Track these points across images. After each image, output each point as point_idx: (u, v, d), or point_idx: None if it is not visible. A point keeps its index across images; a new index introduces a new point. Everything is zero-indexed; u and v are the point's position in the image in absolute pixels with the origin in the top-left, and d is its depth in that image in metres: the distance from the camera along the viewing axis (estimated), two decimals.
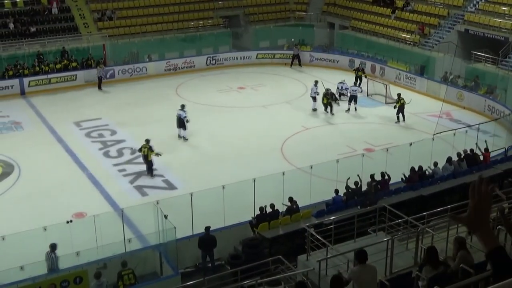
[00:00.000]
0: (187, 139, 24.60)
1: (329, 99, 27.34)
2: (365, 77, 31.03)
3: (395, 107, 26.47)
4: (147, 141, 21.24)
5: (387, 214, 13.35)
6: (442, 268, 8.85)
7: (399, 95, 26.68)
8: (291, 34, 39.28)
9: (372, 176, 17.85)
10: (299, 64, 36.03)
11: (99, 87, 31.90)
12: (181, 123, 24.65)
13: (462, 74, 30.84)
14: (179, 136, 24.71)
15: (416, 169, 18.39)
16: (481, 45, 31.41)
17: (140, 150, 21.35)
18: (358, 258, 8.70)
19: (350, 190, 17.27)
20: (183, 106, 25.03)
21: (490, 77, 29.69)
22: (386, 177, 18.14)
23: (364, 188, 17.55)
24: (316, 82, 28.37)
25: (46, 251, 14.73)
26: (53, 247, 14.78)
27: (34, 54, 32.64)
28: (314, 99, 27.80)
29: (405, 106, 26.27)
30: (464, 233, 11.91)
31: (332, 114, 27.18)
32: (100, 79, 31.98)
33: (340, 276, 8.76)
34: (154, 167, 21.47)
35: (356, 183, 17.46)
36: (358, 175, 17.66)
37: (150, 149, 21.14)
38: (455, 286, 6.61)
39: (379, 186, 17.83)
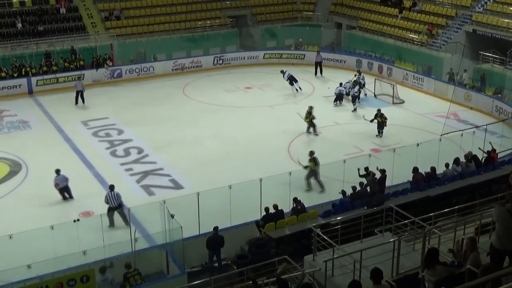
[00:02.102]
0: (301, 89, 30.74)
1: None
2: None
3: (372, 121, 24.53)
4: (310, 107, 25.08)
5: (393, 214, 13.30)
6: (443, 268, 8.79)
7: (379, 111, 24.81)
8: (298, 34, 39.27)
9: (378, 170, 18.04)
10: (320, 73, 34.37)
11: (77, 101, 29.16)
12: (292, 79, 30.56)
13: (469, 75, 30.74)
14: (297, 90, 30.57)
15: (428, 169, 18.34)
16: (489, 46, 31.34)
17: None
18: (373, 278, 8.63)
19: (356, 191, 17.26)
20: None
21: (498, 78, 29.57)
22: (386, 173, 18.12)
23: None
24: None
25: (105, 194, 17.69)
26: (112, 187, 17.62)
27: (42, 53, 32.79)
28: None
29: (385, 124, 24.54)
30: (471, 234, 11.89)
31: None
32: (78, 93, 29.05)
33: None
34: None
35: (361, 184, 17.46)
36: (366, 168, 17.75)
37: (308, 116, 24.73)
38: (462, 287, 6.59)
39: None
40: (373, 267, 8.96)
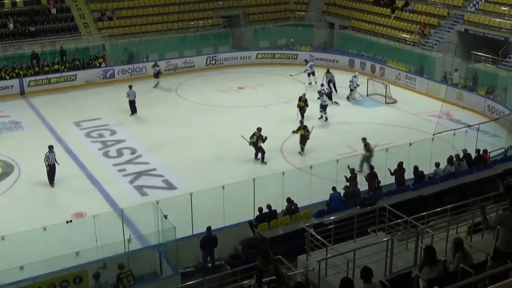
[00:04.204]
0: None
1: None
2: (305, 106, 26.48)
3: (294, 132, 23.13)
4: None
5: (386, 214, 13.31)
6: (440, 266, 8.83)
7: (301, 122, 23.77)
8: (291, 34, 39.31)
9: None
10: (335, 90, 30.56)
11: (133, 111, 27.85)
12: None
13: (461, 74, 30.85)
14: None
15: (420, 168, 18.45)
16: (481, 45, 31.43)
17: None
18: (363, 277, 8.66)
19: (349, 189, 17.31)
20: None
21: (490, 77, 29.69)
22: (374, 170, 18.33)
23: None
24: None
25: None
26: (51, 147, 20.59)
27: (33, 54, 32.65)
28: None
29: (308, 137, 22.97)
30: (464, 234, 11.94)
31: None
32: (131, 103, 27.85)
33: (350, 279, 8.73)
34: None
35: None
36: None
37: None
38: (455, 286, 6.62)
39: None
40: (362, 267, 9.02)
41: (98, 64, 33.40)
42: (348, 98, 29.74)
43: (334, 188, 17.44)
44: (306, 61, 33.27)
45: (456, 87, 29.66)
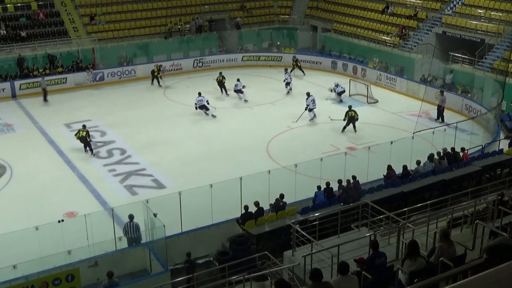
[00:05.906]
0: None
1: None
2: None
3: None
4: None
5: (369, 210, 13.72)
6: (422, 260, 9.23)
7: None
8: (275, 37, 39.90)
9: (339, 181, 18.06)
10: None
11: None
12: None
13: (440, 75, 31.47)
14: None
15: (399, 168, 18.86)
16: (458, 47, 32.08)
17: None
18: (340, 270, 9.06)
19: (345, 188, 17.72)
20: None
21: (467, 77, 30.32)
22: (357, 179, 18.47)
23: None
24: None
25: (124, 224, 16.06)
26: (131, 217, 15.86)
27: (28, 57, 32.93)
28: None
29: None
30: (444, 227, 12.44)
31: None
32: (44, 91, 29.86)
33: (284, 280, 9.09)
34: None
35: (348, 181, 17.96)
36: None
37: None
38: (435, 278, 7.00)
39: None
40: (350, 261, 9.43)
41: (88, 66, 33.53)
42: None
43: (319, 187, 17.80)
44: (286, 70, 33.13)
45: (434, 87, 30.08)
